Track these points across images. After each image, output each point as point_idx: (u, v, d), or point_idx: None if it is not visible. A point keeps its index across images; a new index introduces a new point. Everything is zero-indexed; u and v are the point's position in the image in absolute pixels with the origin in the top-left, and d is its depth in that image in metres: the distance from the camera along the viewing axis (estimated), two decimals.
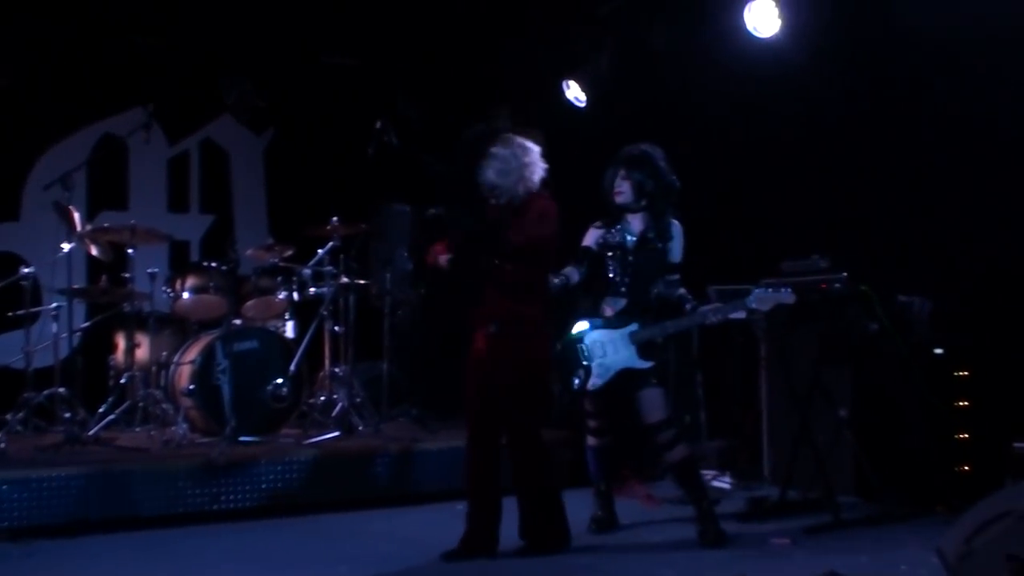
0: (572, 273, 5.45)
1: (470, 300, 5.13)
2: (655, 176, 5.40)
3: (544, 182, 5.15)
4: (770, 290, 5.33)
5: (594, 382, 5.38)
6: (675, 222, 5.49)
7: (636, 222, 5.47)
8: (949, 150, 6.06)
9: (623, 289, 5.42)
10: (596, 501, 5.73)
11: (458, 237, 5.16)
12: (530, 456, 5.07)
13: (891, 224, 6.36)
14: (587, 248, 5.51)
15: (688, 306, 5.41)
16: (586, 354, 5.39)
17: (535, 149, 5.15)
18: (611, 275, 5.43)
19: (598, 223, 5.54)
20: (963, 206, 6.03)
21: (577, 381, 5.40)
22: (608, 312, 5.42)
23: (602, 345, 5.37)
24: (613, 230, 5.47)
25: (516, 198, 5.08)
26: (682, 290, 5.46)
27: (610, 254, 5.43)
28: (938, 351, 5.93)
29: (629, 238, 5.43)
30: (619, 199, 5.44)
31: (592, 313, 5.46)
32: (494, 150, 5.09)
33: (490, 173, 5.07)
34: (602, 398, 5.49)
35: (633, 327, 5.36)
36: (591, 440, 5.69)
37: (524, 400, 5.07)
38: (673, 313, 5.43)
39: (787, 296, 5.31)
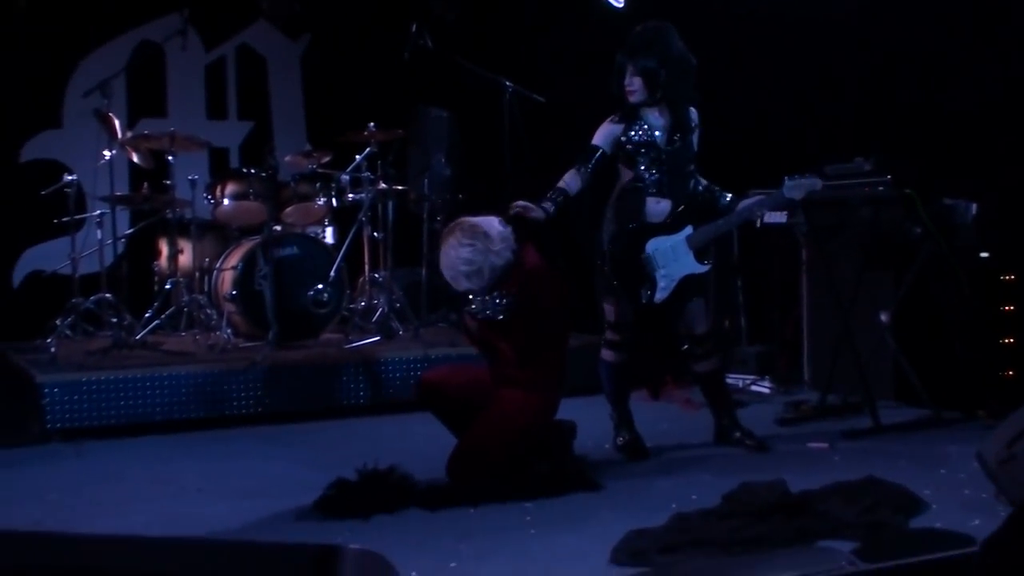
0: (572, 183, 5.06)
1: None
2: (667, 62, 5.03)
3: (515, 251, 4.66)
4: (797, 176, 5.15)
5: (660, 295, 5.08)
6: (692, 109, 5.20)
7: (657, 115, 5.12)
8: (992, 46, 5.91)
9: (666, 190, 5.11)
10: (618, 426, 5.32)
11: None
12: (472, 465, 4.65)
13: (936, 125, 6.24)
14: (598, 147, 5.11)
15: (724, 199, 5.23)
16: (653, 264, 5.06)
17: (495, 231, 4.63)
18: (645, 176, 5.10)
19: (615, 117, 5.16)
20: (1010, 105, 5.90)
21: (646, 295, 5.08)
22: (653, 214, 5.12)
23: (664, 253, 5.07)
24: (635, 127, 5.10)
25: (490, 285, 4.65)
26: (704, 181, 5.28)
27: (642, 153, 5.08)
28: (984, 255, 5.86)
29: (658, 134, 5.09)
30: (633, 98, 5.08)
31: (632, 217, 5.14)
32: (458, 253, 4.58)
33: (463, 282, 4.62)
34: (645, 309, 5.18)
35: (688, 230, 5.11)
36: (610, 355, 5.29)
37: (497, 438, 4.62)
38: (707, 206, 5.24)
39: (814, 183, 5.17)
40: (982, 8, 5.98)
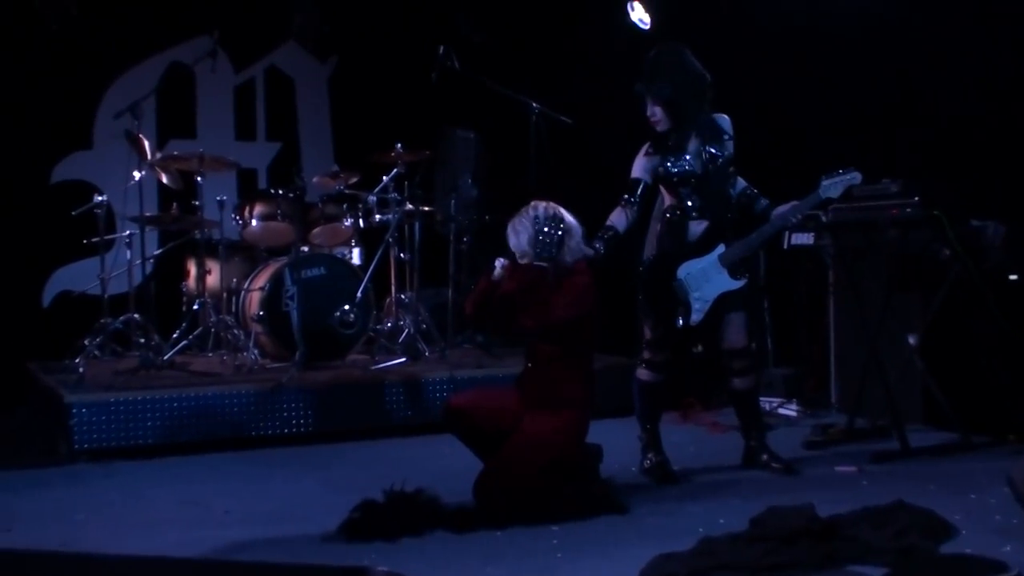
0: (620, 220, 5.13)
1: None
2: (682, 84, 5.05)
3: (582, 261, 4.79)
4: (834, 173, 5.13)
5: (695, 318, 5.11)
6: (722, 117, 5.22)
7: (686, 140, 5.16)
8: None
9: (707, 212, 5.14)
10: (646, 447, 5.31)
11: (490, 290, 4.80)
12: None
13: (965, 147, 6.20)
14: (640, 180, 5.17)
15: (760, 205, 5.23)
16: (685, 289, 5.11)
17: (578, 235, 4.77)
18: (687, 202, 5.14)
19: (649, 149, 5.20)
20: None
21: (680, 321, 5.12)
22: (694, 235, 5.15)
23: (695, 277, 5.10)
24: (671, 157, 5.13)
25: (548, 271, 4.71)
26: (742, 183, 5.28)
27: (682, 181, 5.12)
28: (1013, 277, 5.82)
29: (694, 162, 5.12)
30: (659, 128, 5.13)
31: (675, 242, 5.17)
32: (536, 215, 4.70)
33: (523, 239, 4.71)
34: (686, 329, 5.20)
35: (720, 249, 5.13)
36: (646, 374, 5.30)
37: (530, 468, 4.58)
38: (744, 211, 5.24)
39: (854, 177, 5.15)
40: (1018, 26, 5.94)
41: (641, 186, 5.18)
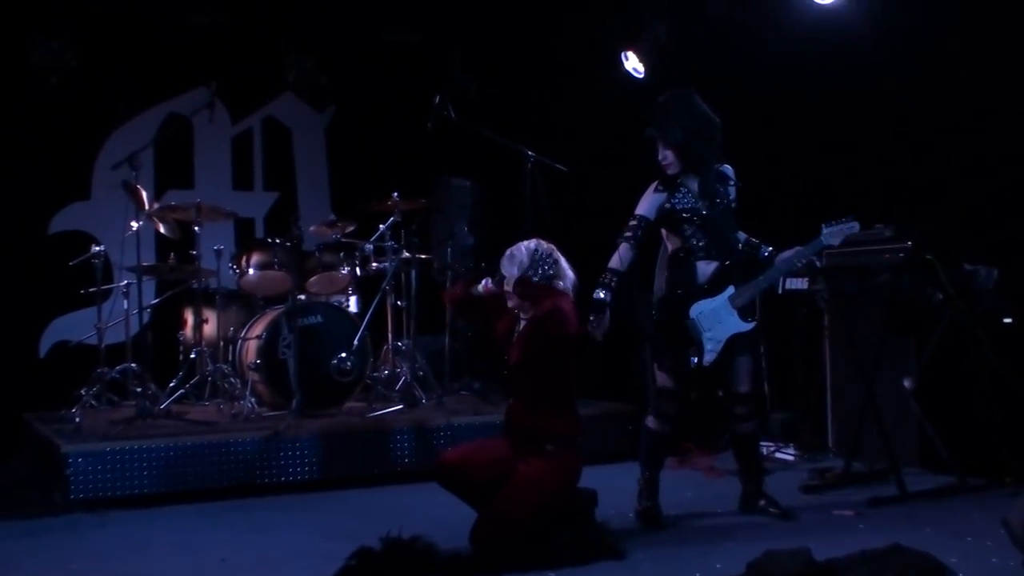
0: (622, 259, 5.11)
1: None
2: (692, 128, 5.13)
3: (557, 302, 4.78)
4: (834, 223, 5.20)
5: (708, 358, 5.13)
6: (725, 166, 5.28)
7: (695, 181, 5.20)
8: (1015, 113, 5.93)
9: (713, 252, 5.18)
10: (642, 491, 5.31)
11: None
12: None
13: (957, 191, 6.25)
14: (643, 217, 5.20)
15: (763, 253, 5.30)
16: (698, 329, 5.12)
17: (569, 277, 4.89)
18: (692, 242, 5.17)
19: (659, 187, 5.23)
20: None
21: (694, 360, 5.13)
22: (703, 276, 5.17)
23: (708, 316, 5.12)
24: (678, 195, 5.18)
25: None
26: (742, 235, 5.34)
27: (687, 219, 5.16)
28: (1007, 320, 5.84)
29: (702, 201, 5.17)
30: (670, 171, 5.20)
31: (685, 283, 5.18)
32: (530, 248, 4.86)
33: (508, 265, 4.86)
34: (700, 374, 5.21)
35: (730, 291, 5.16)
36: (655, 423, 5.30)
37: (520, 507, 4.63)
38: (748, 260, 5.30)
39: (852, 227, 5.21)
40: (1009, 73, 6.01)
41: (644, 223, 5.20)
